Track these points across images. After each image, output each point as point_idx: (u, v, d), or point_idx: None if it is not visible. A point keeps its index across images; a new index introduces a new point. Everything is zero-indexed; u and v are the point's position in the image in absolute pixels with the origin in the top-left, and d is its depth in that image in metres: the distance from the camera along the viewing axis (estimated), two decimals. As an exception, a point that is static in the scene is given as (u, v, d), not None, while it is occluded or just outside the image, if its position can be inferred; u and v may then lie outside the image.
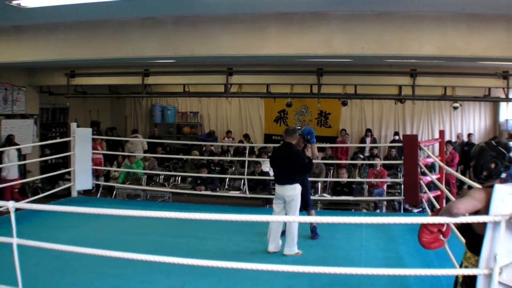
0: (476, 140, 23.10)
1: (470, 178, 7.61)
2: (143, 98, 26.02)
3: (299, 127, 12.47)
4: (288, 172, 10.51)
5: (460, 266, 5.29)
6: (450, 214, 5.03)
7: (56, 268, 9.16)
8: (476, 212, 5.01)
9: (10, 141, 18.48)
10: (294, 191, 10.44)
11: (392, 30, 11.81)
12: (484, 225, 4.89)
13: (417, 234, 5.32)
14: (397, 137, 22.85)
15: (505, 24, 11.42)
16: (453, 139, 23.40)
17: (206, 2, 11.14)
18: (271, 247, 10.46)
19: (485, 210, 4.91)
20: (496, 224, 4.73)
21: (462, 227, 5.44)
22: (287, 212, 10.43)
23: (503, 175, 5.15)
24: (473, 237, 5.10)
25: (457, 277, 5.37)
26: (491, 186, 4.96)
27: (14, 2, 10.62)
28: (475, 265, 5.01)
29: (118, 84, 23.57)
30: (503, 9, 10.94)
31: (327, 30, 12.07)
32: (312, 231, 11.76)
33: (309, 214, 11.57)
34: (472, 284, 5.04)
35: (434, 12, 11.43)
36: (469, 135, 23.24)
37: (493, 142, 5.35)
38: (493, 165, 5.15)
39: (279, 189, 10.55)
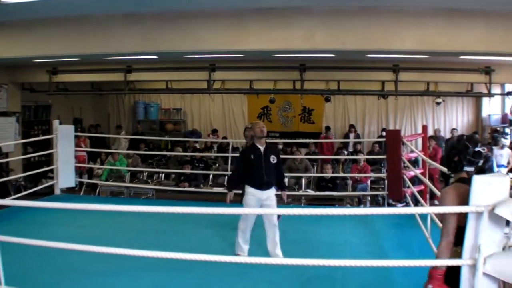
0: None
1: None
2: (126, 95, 26.08)
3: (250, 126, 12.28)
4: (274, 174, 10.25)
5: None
6: (448, 245, 5.11)
7: (40, 265, 9.10)
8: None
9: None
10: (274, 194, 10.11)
11: (373, 25, 11.85)
12: (463, 216, 4.96)
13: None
14: (384, 133, 22.95)
15: (486, 19, 11.49)
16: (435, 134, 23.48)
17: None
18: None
19: (462, 203, 5.01)
20: (478, 214, 4.75)
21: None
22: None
23: (467, 169, 5.36)
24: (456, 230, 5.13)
25: None
26: (460, 179, 5.33)
27: (-6, -2, 10.58)
28: (455, 255, 5.10)
29: (100, 81, 23.47)
30: (482, 4, 10.99)
31: (309, 25, 12.10)
32: None
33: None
34: (449, 277, 5.11)
35: (415, 7, 11.50)
36: (452, 130, 23.29)
37: (464, 136, 5.58)
38: (456, 158, 5.39)
39: None
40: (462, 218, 5.01)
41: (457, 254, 5.07)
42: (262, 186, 9.74)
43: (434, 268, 5.14)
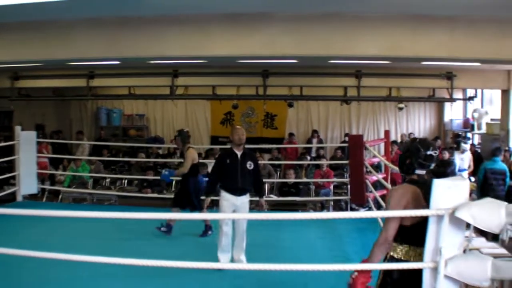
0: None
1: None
2: (89, 100, 25.87)
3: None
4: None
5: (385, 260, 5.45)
6: (384, 242, 5.27)
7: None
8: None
9: None
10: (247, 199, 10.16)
11: (336, 31, 11.92)
12: (410, 217, 5.14)
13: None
14: (347, 139, 23.02)
15: (449, 25, 11.59)
16: (399, 140, 23.61)
17: (150, 2, 11.07)
18: None
19: (412, 204, 5.21)
20: (439, 218, 4.80)
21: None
22: None
23: (418, 172, 5.43)
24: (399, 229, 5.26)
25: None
26: (412, 180, 5.42)
27: (-45, 3, 10.46)
28: (393, 250, 5.34)
29: (63, 87, 23.31)
30: (447, 10, 11.07)
31: (271, 31, 12.13)
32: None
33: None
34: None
35: (377, 13, 11.54)
36: (410, 134, 23.49)
37: (417, 139, 5.75)
38: (407, 161, 5.47)
39: None
40: (406, 217, 5.17)
41: (394, 249, 5.34)
42: (236, 191, 9.70)
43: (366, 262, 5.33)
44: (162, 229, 11.75)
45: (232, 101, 23.04)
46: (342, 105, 23.93)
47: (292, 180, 16.46)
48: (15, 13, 11.77)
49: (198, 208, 11.56)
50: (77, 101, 27.34)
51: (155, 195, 16.37)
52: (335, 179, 17.46)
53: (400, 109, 22.29)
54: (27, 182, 15.54)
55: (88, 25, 12.87)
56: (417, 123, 25.25)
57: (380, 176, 13.40)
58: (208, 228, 11.91)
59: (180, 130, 12.34)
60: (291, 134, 24.39)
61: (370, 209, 14.30)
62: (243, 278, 8.74)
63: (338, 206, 16.75)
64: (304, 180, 17.89)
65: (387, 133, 14.79)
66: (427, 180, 5.33)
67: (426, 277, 4.96)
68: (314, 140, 23.60)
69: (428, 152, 5.36)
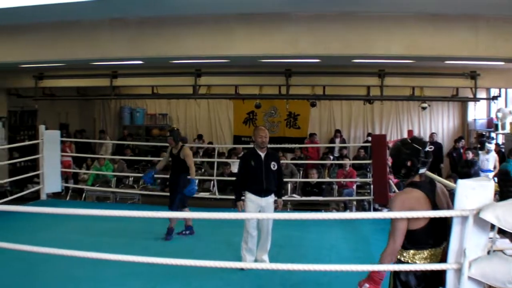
0: (441, 139, 23.27)
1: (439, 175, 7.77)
2: (112, 100, 25.95)
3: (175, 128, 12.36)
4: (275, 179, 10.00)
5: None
6: (393, 252, 5.25)
7: (23, 271, 9.05)
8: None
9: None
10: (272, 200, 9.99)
11: (358, 30, 11.85)
12: (414, 220, 5.14)
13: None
14: (369, 138, 22.90)
15: (471, 24, 11.50)
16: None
17: (172, 3, 11.09)
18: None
19: (417, 208, 5.13)
20: (463, 219, 4.77)
21: None
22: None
23: (422, 171, 5.36)
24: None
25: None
26: (413, 184, 5.34)
27: (-20, 3, 10.52)
28: (408, 258, 5.31)
29: (86, 86, 23.38)
30: (469, 9, 11.01)
31: (293, 31, 12.10)
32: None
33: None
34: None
35: (400, 12, 11.48)
36: (432, 134, 23.32)
37: (408, 139, 5.57)
38: (409, 163, 5.35)
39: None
40: (413, 222, 5.14)
41: (401, 253, 5.32)
42: (261, 192, 9.64)
43: (376, 272, 5.33)
44: (184, 232, 11.83)
45: (255, 101, 23.01)
46: (365, 105, 23.85)
47: (315, 180, 16.42)
48: (40, 14, 11.85)
49: (176, 207, 11.53)
50: (101, 101, 27.48)
51: (178, 194, 16.42)
52: (358, 179, 17.41)
53: (424, 108, 22.14)
54: (51, 180, 15.63)
55: (111, 25, 12.91)
56: (441, 122, 25.04)
57: (403, 176, 13.34)
58: (187, 228, 11.93)
59: (171, 129, 12.33)
60: (311, 134, 24.32)
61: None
62: (266, 278, 8.74)
63: (361, 206, 16.70)
64: (327, 180, 17.85)
65: (410, 132, 14.79)
66: (425, 182, 5.37)
67: (450, 278, 4.95)
68: (337, 140, 23.50)
69: (426, 149, 5.35)
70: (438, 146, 21.24)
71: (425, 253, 5.26)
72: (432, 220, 5.12)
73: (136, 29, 12.81)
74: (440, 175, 16.86)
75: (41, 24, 13.15)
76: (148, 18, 12.61)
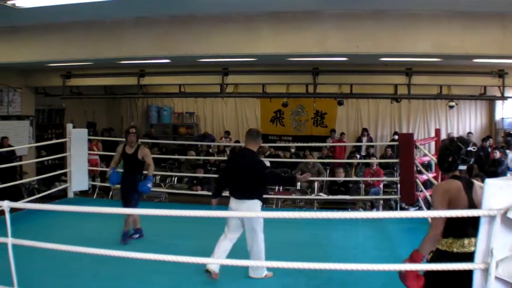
0: (474, 139, 23.10)
1: (470, 176, 7.80)
2: (139, 98, 26.06)
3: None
4: (248, 184, 8.95)
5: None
6: (434, 238, 5.65)
7: (51, 268, 9.14)
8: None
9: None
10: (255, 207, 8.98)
11: (386, 28, 11.80)
12: (453, 207, 5.52)
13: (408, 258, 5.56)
14: (396, 137, 22.78)
15: (499, 22, 11.42)
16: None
17: (200, 1, 11.12)
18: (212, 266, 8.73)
19: (454, 199, 5.59)
20: (491, 218, 4.74)
21: None
22: (248, 236, 9.03)
23: (461, 167, 5.89)
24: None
25: None
26: (455, 176, 5.82)
27: (9, 2, 10.58)
28: (441, 246, 5.68)
29: (113, 85, 23.53)
30: (497, 7, 10.94)
31: (321, 29, 12.07)
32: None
33: (127, 217, 11.31)
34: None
35: (428, 11, 11.43)
36: (468, 134, 23.20)
37: (455, 138, 6.16)
38: (450, 159, 5.86)
39: (236, 204, 9.09)
40: (453, 208, 5.46)
41: (439, 242, 5.69)
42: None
43: (416, 253, 5.68)
44: (134, 236, 11.57)
45: (282, 99, 23.04)
46: (392, 103, 23.81)
47: (341, 178, 16.38)
48: (66, 13, 11.93)
49: (131, 205, 11.28)
50: (128, 99, 27.68)
51: (205, 192, 16.41)
52: (385, 178, 17.35)
53: (451, 107, 22.06)
54: (78, 179, 15.70)
55: (137, 23, 12.97)
56: (468, 121, 24.88)
57: (430, 175, 13.29)
58: (136, 231, 11.68)
59: (134, 126, 12.15)
60: (332, 131, 24.41)
61: (420, 208, 14.19)
62: (292, 277, 8.73)
63: (387, 205, 16.65)
64: (354, 178, 17.81)
65: (437, 131, 14.66)
66: (464, 177, 5.84)
67: (477, 278, 4.91)
68: (364, 139, 23.46)
69: (469, 148, 5.83)
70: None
71: (465, 241, 5.55)
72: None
73: (163, 27, 12.85)
74: (471, 176, 16.78)
75: (68, 23, 13.25)
76: (176, 16, 12.65)
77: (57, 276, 8.91)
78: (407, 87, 18.80)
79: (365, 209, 16.00)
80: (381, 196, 16.44)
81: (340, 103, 23.04)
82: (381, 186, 17.08)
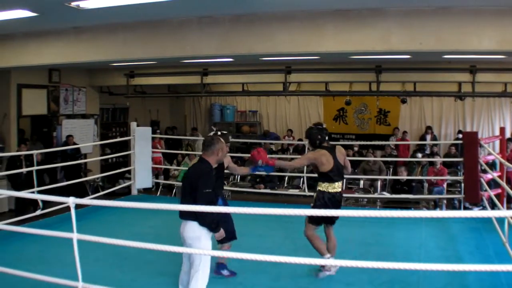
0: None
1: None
2: (202, 97, 26.26)
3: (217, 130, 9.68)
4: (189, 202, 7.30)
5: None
6: (296, 164, 10.25)
7: (116, 264, 9.33)
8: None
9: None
10: (194, 232, 7.23)
11: (450, 25, 11.65)
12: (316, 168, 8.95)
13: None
14: (460, 135, 22.51)
15: None
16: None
17: (263, 0, 11.15)
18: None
19: (317, 162, 8.84)
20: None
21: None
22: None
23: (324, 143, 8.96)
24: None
25: None
26: (322, 147, 8.91)
27: (73, 4, 10.75)
28: (325, 188, 8.90)
29: (177, 84, 23.78)
30: None
31: (384, 26, 11.99)
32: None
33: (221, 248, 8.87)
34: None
35: (493, 7, 11.27)
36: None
37: (312, 125, 9.26)
38: (319, 137, 8.91)
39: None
40: (323, 166, 8.82)
41: (320, 185, 8.93)
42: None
43: (274, 160, 9.25)
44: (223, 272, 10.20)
45: (345, 98, 23.02)
46: (456, 101, 23.60)
47: (404, 177, 16.27)
48: (130, 13, 12.09)
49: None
50: (191, 98, 27.93)
51: (268, 190, 16.48)
52: (448, 177, 17.17)
53: (516, 105, 21.81)
54: (142, 176, 15.87)
55: (200, 23, 13.05)
56: (533, 119, 24.53)
57: (495, 175, 13.12)
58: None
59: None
60: (396, 129, 24.24)
61: (484, 208, 14.03)
62: (354, 276, 8.72)
63: (451, 205, 16.51)
64: (415, 177, 17.67)
65: (502, 130, 14.46)
66: (329, 145, 8.98)
67: None
68: (428, 137, 23.22)
69: (323, 127, 8.35)
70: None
71: (335, 184, 8.84)
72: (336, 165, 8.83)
73: (226, 26, 12.90)
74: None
75: (132, 23, 13.40)
76: (239, 16, 12.69)
77: (121, 271, 9.12)
78: (471, 84, 18.56)
79: (428, 208, 15.89)
80: (444, 196, 16.31)
81: (404, 101, 22.95)
82: (445, 185, 16.93)
